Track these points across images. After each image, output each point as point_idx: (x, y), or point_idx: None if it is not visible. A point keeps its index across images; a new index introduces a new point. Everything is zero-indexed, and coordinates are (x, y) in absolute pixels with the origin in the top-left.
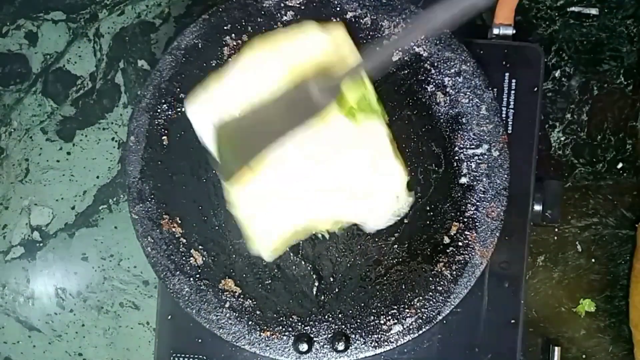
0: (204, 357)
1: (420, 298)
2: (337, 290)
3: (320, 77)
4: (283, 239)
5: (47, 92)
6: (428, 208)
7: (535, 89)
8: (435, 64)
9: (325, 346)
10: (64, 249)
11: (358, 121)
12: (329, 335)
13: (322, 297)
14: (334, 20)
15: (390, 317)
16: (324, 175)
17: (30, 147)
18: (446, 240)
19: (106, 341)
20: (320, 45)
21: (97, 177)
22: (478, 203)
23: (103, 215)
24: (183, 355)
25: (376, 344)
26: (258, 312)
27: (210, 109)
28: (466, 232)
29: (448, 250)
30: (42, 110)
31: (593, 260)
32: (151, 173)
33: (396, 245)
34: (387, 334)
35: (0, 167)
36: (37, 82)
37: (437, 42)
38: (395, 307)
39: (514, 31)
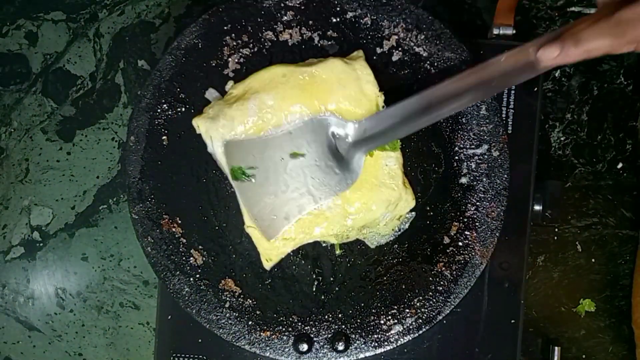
0: (204, 357)
1: (420, 298)
2: (337, 290)
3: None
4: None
5: (47, 92)
6: (428, 208)
7: (535, 89)
8: (435, 64)
9: (325, 346)
10: (64, 249)
11: (372, 154)
12: (329, 335)
13: (322, 297)
14: (335, 20)
15: (390, 317)
16: (335, 204)
17: (30, 147)
18: (446, 240)
19: (106, 341)
20: (342, 77)
21: (97, 177)
22: (478, 203)
23: (103, 215)
24: (183, 355)
25: (376, 344)
26: (258, 312)
27: (224, 131)
28: (466, 232)
29: (448, 250)
30: (42, 110)
31: (593, 260)
32: (151, 173)
33: (396, 245)
34: (387, 334)
35: (0, 167)
36: (37, 82)
37: (437, 42)
38: (395, 307)
39: (514, 31)
